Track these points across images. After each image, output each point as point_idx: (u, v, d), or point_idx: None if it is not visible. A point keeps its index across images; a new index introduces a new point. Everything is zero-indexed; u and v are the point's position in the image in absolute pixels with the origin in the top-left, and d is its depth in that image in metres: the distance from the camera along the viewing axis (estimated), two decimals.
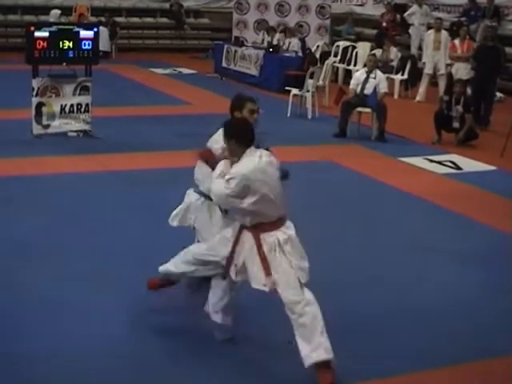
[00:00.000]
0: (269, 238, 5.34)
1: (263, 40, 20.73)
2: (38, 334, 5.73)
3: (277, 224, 5.39)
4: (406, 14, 22.61)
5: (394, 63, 18.91)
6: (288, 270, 5.29)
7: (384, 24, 22.86)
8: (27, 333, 5.74)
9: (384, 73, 14.62)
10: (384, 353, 5.75)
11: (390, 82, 17.28)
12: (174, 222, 6.29)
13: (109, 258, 7.30)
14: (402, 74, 18.77)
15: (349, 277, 7.11)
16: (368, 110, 13.66)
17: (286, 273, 5.29)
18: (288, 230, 5.40)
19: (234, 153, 5.34)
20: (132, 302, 6.33)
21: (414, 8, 22.12)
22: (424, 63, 18.48)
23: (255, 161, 5.28)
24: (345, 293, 6.71)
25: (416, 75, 18.80)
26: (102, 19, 23.86)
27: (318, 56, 19.54)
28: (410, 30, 22.14)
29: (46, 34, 11.79)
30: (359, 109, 13.72)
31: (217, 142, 5.78)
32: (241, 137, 5.33)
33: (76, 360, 5.39)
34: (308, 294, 5.31)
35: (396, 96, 18.29)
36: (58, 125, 12.30)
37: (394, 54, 19.18)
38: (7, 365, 5.30)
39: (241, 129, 5.42)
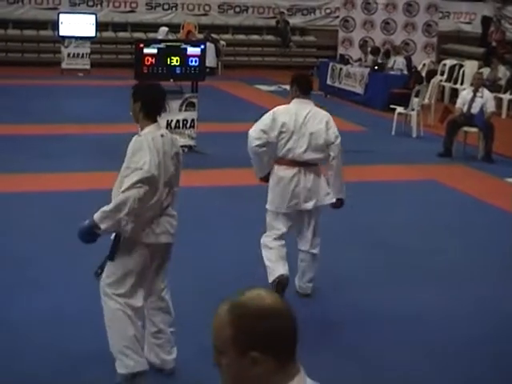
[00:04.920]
0: None
1: (366, 58, 20.62)
2: None
3: None
4: None
5: (503, 82, 18.56)
6: None
7: (493, 43, 22.49)
8: None
9: (492, 92, 14.34)
10: None
11: (498, 101, 16.94)
12: None
13: (210, 272, 7.37)
14: (511, 93, 18.39)
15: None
16: (474, 129, 13.41)
17: None
18: None
19: None
20: None
21: None
22: None
23: None
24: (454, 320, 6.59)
25: None
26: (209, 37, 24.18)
27: (424, 74, 19.34)
28: None
29: (155, 51, 12.00)
30: (465, 128, 13.49)
31: None
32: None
33: None
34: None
35: (504, 115, 17.91)
36: None
37: (503, 72, 18.82)
38: None
39: None
